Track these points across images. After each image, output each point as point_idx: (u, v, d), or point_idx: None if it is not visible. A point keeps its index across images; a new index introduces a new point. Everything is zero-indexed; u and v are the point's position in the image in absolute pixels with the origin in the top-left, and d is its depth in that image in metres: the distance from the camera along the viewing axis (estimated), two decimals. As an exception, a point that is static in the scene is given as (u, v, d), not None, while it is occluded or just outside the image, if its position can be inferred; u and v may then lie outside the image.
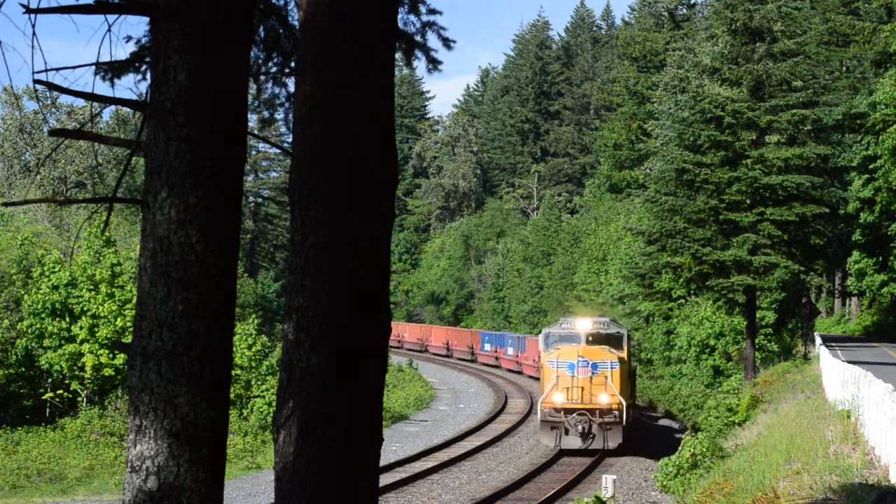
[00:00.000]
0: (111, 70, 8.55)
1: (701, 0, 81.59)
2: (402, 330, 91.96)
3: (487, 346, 75.05)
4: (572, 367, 34.09)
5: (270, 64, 9.94)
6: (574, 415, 33.86)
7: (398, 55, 10.13)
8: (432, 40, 10.42)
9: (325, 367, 6.49)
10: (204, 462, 6.45)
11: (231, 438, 31.94)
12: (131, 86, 21.91)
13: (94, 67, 7.83)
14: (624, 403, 33.99)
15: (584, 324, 36.21)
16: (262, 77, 10.10)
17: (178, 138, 6.51)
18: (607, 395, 33.88)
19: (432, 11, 10.35)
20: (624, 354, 35.55)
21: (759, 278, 42.42)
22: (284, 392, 6.58)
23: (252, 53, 8.69)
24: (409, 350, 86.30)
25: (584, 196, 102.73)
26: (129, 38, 8.98)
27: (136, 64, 8.70)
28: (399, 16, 9.52)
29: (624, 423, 33.95)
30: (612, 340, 35.82)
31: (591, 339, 35.64)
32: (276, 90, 10.36)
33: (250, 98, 9.41)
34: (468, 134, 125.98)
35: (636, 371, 41.51)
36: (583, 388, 33.94)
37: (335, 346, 6.51)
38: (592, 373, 33.99)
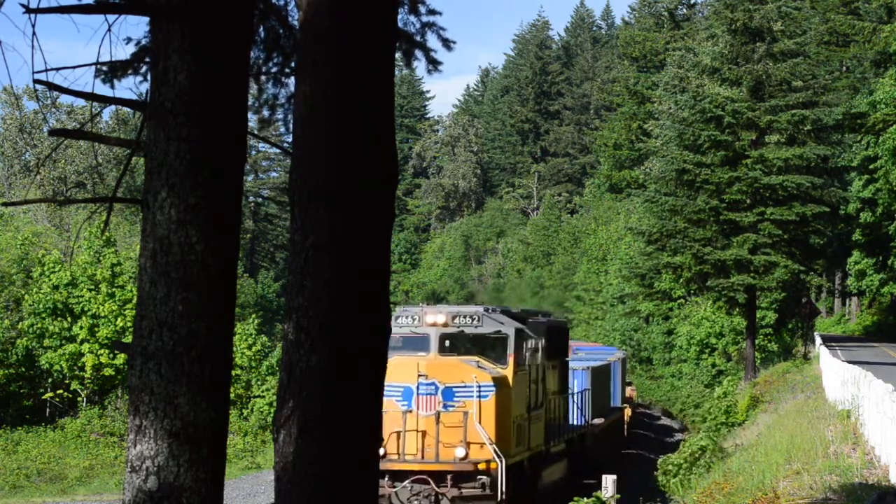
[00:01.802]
0: (111, 70, 8.55)
1: (701, 0, 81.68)
2: None
3: None
4: (408, 396, 20.65)
5: (270, 64, 9.94)
6: (408, 482, 20.38)
7: (398, 55, 10.13)
8: (432, 41, 10.44)
9: (325, 367, 6.49)
10: (204, 462, 6.45)
11: (231, 438, 31.92)
12: (131, 86, 21.89)
13: (94, 67, 7.84)
14: (502, 461, 20.33)
15: (435, 316, 21.96)
16: (263, 77, 10.10)
17: (178, 138, 6.51)
18: (466, 448, 20.43)
19: (432, 12, 10.36)
20: (508, 371, 21.62)
21: (760, 278, 42.42)
22: (284, 392, 6.58)
23: (252, 53, 8.70)
24: None
25: (584, 196, 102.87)
26: (129, 39, 8.99)
27: (136, 64, 8.70)
28: (399, 16, 9.53)
29: (502, 495, 20.32)
30: (489, 345, 21.97)
31: (447, 342, 21.86)
32: (277, 90, 10.37)
33: (250, 98, 9.41)
34: (468, 134, 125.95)
35: (544, 389, 24.64)
36: (425, 433, 20.53)
37: (335, 346, 6.51)
38: (444, 405, 20.63)
